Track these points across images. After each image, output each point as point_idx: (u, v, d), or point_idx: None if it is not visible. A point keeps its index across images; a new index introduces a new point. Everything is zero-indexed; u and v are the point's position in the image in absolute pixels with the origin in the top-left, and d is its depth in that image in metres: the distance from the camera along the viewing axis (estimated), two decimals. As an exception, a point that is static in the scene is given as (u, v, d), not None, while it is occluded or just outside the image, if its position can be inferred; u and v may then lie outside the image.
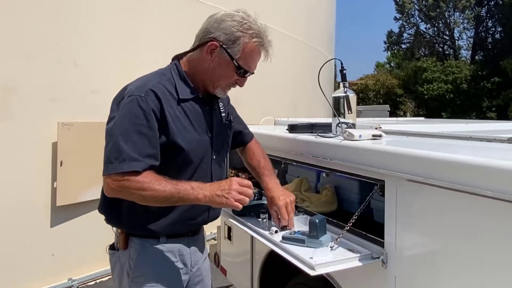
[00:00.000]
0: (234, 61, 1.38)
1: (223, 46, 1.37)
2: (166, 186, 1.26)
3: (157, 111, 1.31)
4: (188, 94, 1.42)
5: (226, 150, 1.64)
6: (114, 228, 1.48)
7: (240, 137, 1.74)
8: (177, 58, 1.50)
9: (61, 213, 3.29)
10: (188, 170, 1.41)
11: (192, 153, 1.40)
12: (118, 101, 1.36)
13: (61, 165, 3.20)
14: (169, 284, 1.45)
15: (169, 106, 1.35)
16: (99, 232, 3.54)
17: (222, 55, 1.38)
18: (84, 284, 3.44)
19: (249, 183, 1.35)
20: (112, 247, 1.51)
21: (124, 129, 1.27)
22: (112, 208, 1.42)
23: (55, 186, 3.22)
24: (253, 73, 1.47)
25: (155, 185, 1.25)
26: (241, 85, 1.49)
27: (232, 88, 1.51)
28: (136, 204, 1.32)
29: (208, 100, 1.50)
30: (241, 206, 1.29)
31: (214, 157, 1.51)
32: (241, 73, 1.42)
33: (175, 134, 1.34)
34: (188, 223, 1.48)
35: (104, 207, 1.45)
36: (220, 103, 1.60)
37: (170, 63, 1.50)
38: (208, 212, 1.52)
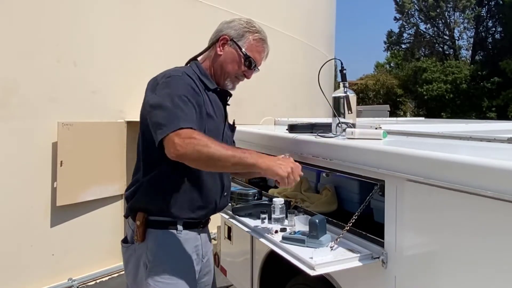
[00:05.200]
0: (241, 51, 1.57)
1: (233, 39, 1.57)
2: (225, 146, 1.35)
3: (195, 89, 1.46)
4: (211, 85, 1.58)
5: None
6: (130, 222, 1.54)
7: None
8: (193, 60, 1.66)
9: (61, 213, 3.29)
10: None
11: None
12: (153, 87, 1.45)
13: (61, 165, 3.20)
14: (185, 273, 1.51)
15: (199, 90, 1.50)
16: (99, 232, 3.57)
17: (232, 47, 1.58)
18: (84, 284, 3.44)
19: (299, 165, 1.40)
20: (125, 241, 1.57)
21: (171, 99, 1.36)
22: (141, 190, 1.50)
23: (55, 186, 3.22)
24: (258, 69, 1.64)
25: (216, 143, 1.31)
26: (248, 77, 1.64)
27: (239, 82, 1.66)
28: (162, 185, 1.46)
29: (223, 96, 1.66)
30: (292, 183, 1.35)
31: None
32: (248, 63, 1.59)
33: (204, 117, 1.47)
34: (206, 205, 1.54)
35: (131, 193, 1.53)
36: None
37: (187, 64, 1.65)
38: (220, 198, 1.60)
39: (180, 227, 1.51)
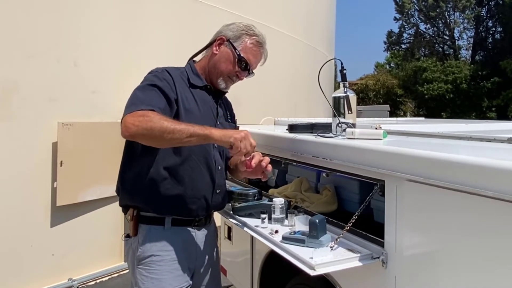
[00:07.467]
0: (236, 51, 1.60)
1: (229, 40, 1.62)
2: (179, 122, 1.38)
3: (170, 83, 1.50)
4: (199, 83, 1.62)
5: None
6: (128, 216, 1.56)
7: None
8: (190, 59, 1.72)
9: (61, 213, 3.29)
10: (188, 148, 1.51)
11: None
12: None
13: (61, 165, 3.20)
14: (171, 270, 1.51)
15: (180, 86, 1.53)
16: (99, 232, 3.57)
17: (227, 48, 1.62)
18: (84, 284, 3.44)
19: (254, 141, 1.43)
20: (127, 236, 1.61)
21: (141, 87, 1.47)
22: (126, 186, 1.56)
23: (55, 186, 3.22)
24: (253, 73, 1.65)
25: (169, 119, 1.36)
26: (241, 78, 1.66)
27: (233, 83, 1.68)
28: (145, 180, 1.48)
29: (215, 94, 1.68)
30: (244, 150, 1.37)
31: (215, 144, 1.60)
32: (242, 65, 1.61)
33: (181, 112, 1.49)
34: (192, 201, 1.54)
35: (117, 190, 1.60)
36: (226, 105, 1.78)
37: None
38: (212, 195, 1.60)
39: (167, 224, 1.53)
